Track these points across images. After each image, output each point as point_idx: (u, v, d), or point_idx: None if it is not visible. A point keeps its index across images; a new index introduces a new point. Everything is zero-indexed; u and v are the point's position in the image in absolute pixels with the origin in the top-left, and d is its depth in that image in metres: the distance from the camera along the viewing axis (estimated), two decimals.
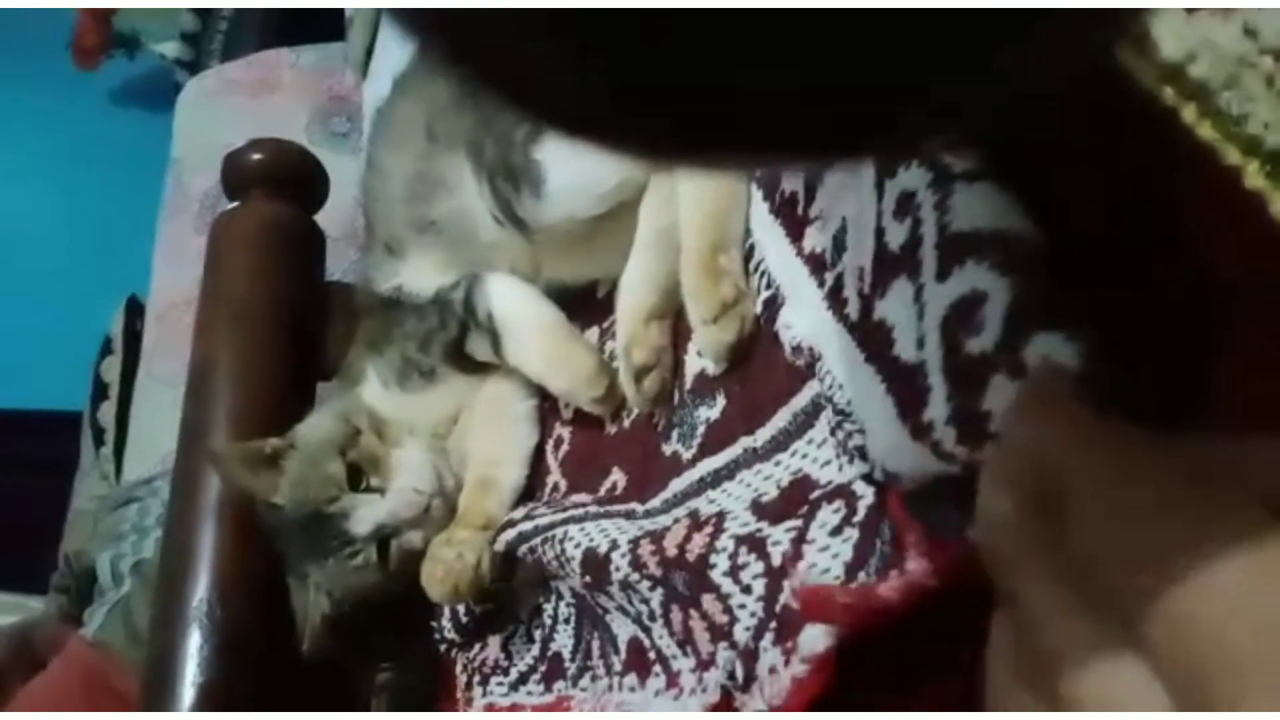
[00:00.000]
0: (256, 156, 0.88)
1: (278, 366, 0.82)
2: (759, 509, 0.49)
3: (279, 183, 0.87)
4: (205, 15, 2.17)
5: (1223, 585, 0.18)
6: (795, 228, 0.49)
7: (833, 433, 0.44)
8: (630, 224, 0.62)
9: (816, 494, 0.45)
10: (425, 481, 0.71)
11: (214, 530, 0.76)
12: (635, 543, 0.54)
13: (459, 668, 0.77)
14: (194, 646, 0.73)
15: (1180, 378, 0.27)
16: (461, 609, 0.75)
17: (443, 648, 0.78)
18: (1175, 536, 0.19)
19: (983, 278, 0.33)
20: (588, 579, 0.57)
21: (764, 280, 0.51)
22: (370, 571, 0.71)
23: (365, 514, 0.70)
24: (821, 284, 0.45)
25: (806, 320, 0.47)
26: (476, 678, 0.75)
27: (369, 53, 1.58)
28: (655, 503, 0.58)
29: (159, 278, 1.76)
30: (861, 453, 0.41)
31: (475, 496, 0.71)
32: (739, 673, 0.46)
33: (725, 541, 0.49)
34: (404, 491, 0.70)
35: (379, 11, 1.52)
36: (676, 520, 0.54)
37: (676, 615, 0.52)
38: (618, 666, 0.59)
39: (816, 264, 0.46)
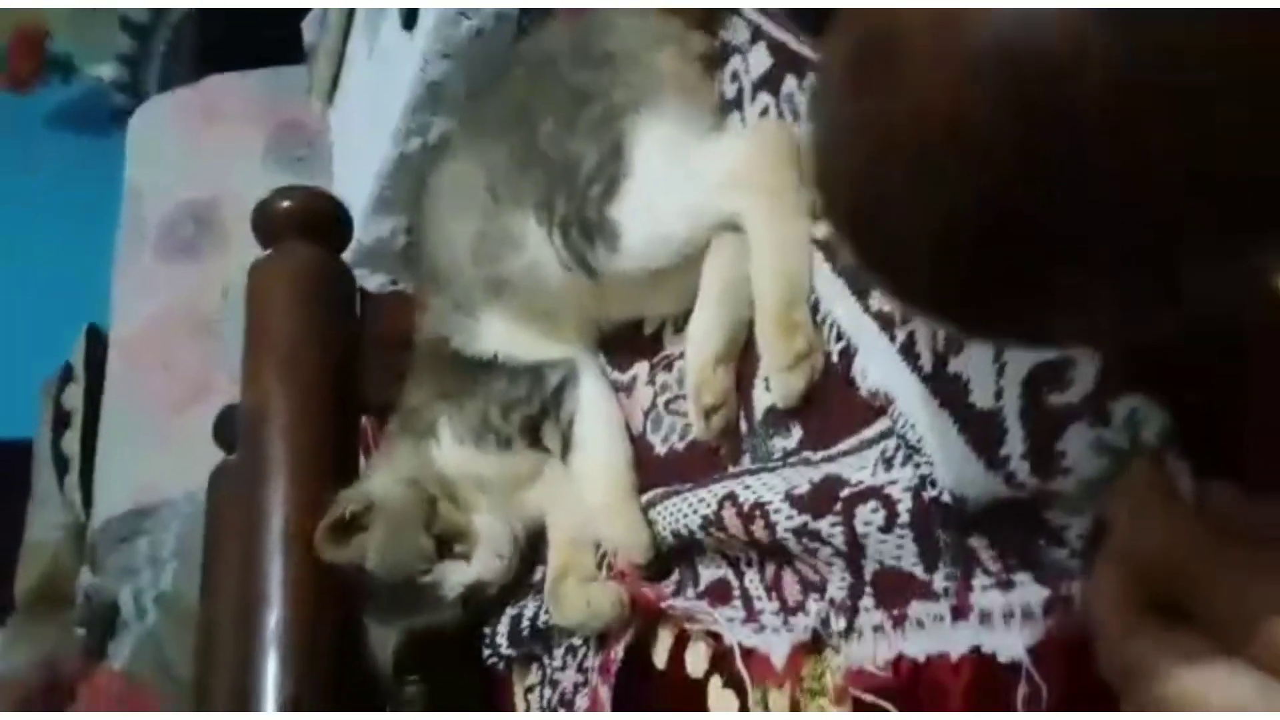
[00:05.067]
0: (287, 204, 0.93)
1: (327, 408, 0.87)
2: (793, 500, 0.56)
3: (311, 228, 0.92)
4: (142, 38, 2.15)
5: None
6: (861, 288, 0.57)
7: (901, 464, 0.52)
8: (685, 272, 0.69)
9: (847, 492, 0.53)
10: (505, 546, 0.80)
11: (282, 561, 0.82)
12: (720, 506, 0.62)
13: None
14: (273, 669, 0.78)
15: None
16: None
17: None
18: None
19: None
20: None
21: (834, 332, 0.58)
22: (451, 615, 0.81)
23: (455, 581, 0.79)
24: (892, 339, 0.53)
25: (879, 368, 0.54)
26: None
27: (335, 81, 1.61)
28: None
29: (121, 306, 1.76)
30: (930, 481, 0.49)
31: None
32: (835, 623, 0.54)
33: (783, 534, 0.56)
34: (489, 558, 0.79)
35: (344, 40, 1.56)
36: (717, 498, 0.62)
37: (770, 566, 0.61)
38: (691, 594, 0.67)
39: (885, 321, 0.54)
